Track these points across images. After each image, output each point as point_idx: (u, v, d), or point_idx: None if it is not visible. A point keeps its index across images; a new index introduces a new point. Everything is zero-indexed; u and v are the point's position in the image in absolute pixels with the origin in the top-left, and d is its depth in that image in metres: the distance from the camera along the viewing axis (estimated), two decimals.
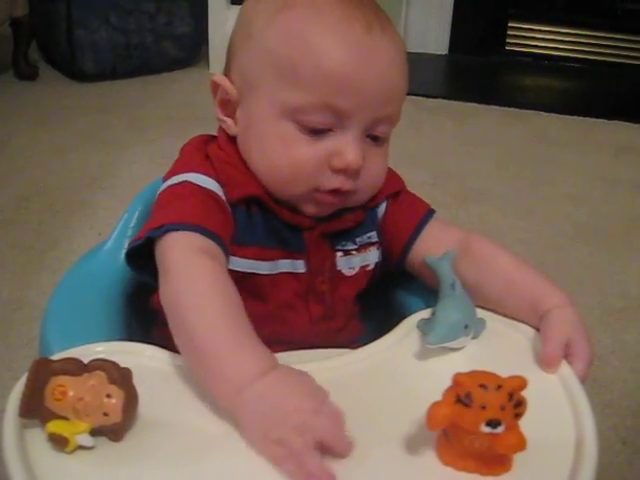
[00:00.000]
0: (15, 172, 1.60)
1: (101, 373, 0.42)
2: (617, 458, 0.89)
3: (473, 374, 0.41)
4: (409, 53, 0.59)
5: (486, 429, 0.39)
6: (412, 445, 0.44)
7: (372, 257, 0.63)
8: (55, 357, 0.45)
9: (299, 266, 0.59)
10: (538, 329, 0.56)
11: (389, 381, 0.47)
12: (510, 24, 2.76)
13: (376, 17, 0.55)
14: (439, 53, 2.75)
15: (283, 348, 0.52)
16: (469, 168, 1.76)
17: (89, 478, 0.41)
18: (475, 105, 2.22)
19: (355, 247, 0.62)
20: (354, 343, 0.58)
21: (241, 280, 0.52)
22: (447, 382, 0.42)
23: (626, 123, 2.11)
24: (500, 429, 0.40)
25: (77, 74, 2.22)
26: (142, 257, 0.54)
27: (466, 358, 0.53)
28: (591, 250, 1.40)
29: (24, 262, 1.24)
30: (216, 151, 0.60)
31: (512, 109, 2.19)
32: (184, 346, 0.48)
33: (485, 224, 1.48)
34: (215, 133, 0.62)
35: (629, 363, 1.06)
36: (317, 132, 0.55)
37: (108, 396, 0.42)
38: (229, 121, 0.59)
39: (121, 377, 0.42)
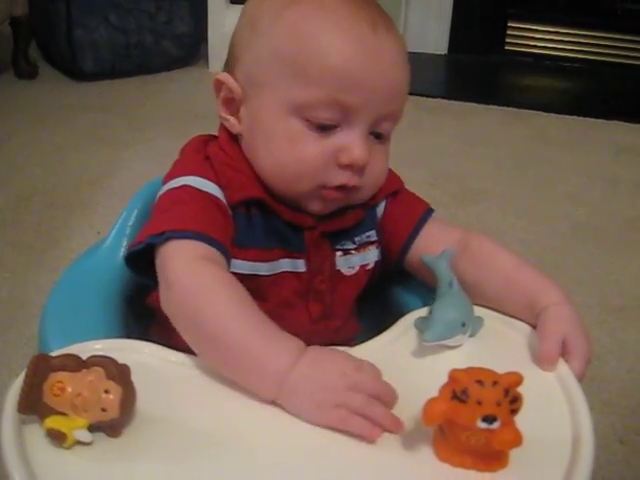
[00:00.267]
0: (15, 171, 1.60)
1: (99, 369, 0.42)
2: (615, 457, 0.89)
3: (469, 370, 0.41)
4: (409, 53, 0.59)
5: (482, 425, 0.40)
6: (409, 441, 0.44)
7: (371, 256, 0.64)
8: (54, 353, 0.45)
9: (299, 265, 0.60)
10: (536, 327, 0.56)
11: (386, 378, 0.47)
12: (510, 24, 2.76)
13: (380, 16, 0.56)
14: (438, 53, 2.75)
15: None
16: (468, 168, 1.76)
17: (87, 473, 0.41)
18: (474, 105, 2.22)
19: (354, 246, 0.62)
20: (351, 342, 0.58)
21: (242, 281, 0.53)
22: (444, 379, 0.42)
23: (626, 123, 2.11)
24: (496, 425, 0.40)
25: (77, 73, 2.22)
26: (142, 260, 0.55)
27: (463, 356, 0.53)
28: (590, 250, 1.40)
29: (24, 261, 1.24)
30: (216, 152, 0.59)
31: (511, 109, 2.19)
32: (206, 349, 0.49)
33: (484, 224, 1.48)
34: (215, 132, 0.62)
35: (627, 362, 1.06)
36: (324, 128, 0.55)
37: (106, 392, 0.42)
38: (232, 119, 0.59)
39: (119, 373, 0.42)
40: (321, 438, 0.45)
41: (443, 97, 2.26)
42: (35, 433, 0.43)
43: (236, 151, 0.59)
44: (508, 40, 2.77)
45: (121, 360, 0.43)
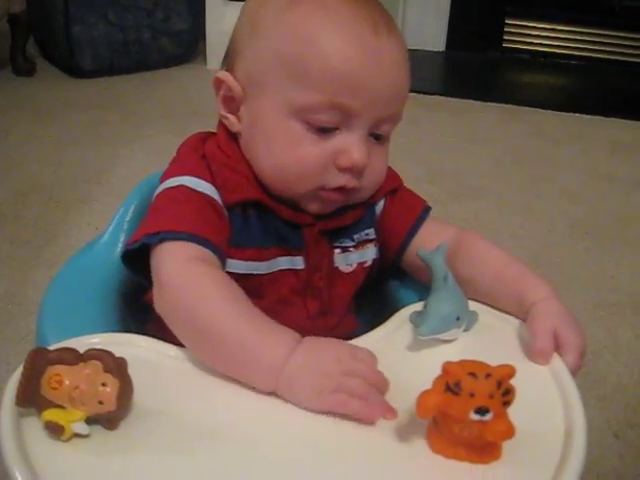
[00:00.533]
0: (12, 167, 1.60)
1: (97, 362, 0.42)
2: (609, 451, 0.90)
3: (463, 363, 0.41)
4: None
5: (475, 416, 0.40)
6: (403, 433, 0.45)
7: (370, 254, 0.64)
8: (51, 347, 0.45)
9: (298, 262, 0.60)
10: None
11: (382, 371, 0.48)
12: (507, 21, 2.77)
13: (381, 17, 0.56)
14: (436, 50, 2.75)
15: None
16: (466, 164, 1.77)
17: (85, 465, 0.42)
18: (472, 102, 2.23)
19: (353, 244, 0.63)
20: (349, 339, 0.59)
21: (238, 281, 0.53)
22: (439, 372, 0.42)
23: (622, 120, 2.12)
24: (488, 416, 0.40)
25: (75, 70, 2.23)
26: (138, 258, 0.55)
27: (458, 350, 0.53)
28: (586, 246, 1.41)
29: (21, 257, 1.25)
30: (214, 151, 0.59)
31: (509, 106, 2.20)
32: (202, 346, 0.49)
33: (481, 220, 1.48)
34: (212, 129, 0.62)
35: (622, 358, 1.07)
36: (324, 131, 0.55)
37: (103, 385, 0.42)
38: (232, 118, 0.59)
39: (116, 366, 0.43)
40: (316, 430, 0.45)
41: (440, 94, 2.27)
42: (33, 426, 0.43)
43: (234, 150, 0.59)
44: (506, 37, 2.78)
45: (118, 354, 0.43)
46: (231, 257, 0.56)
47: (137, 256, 0.55)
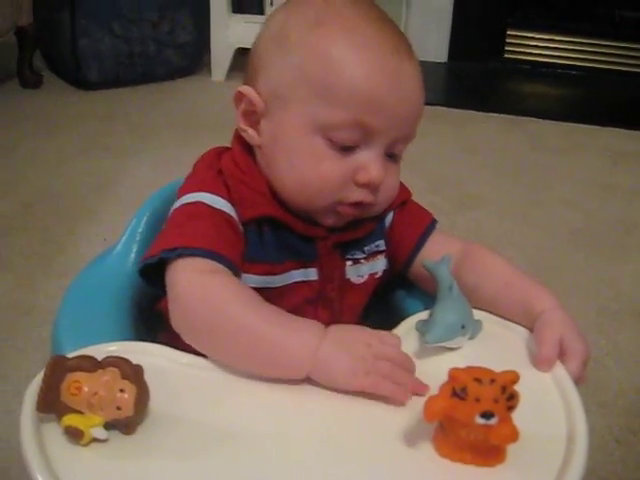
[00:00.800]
0: (20, 179, 1.62)
1: (114, 369, 0.44)
2: (611, 457, 0.90)
3: (468, 369, 0.42)
4: None
5: (480, 421, 0.41)
6: (410, 438, 0.46)
7: (380, 265, 0.65)
8: (70, 355, 0.47)
9: (311, 274, 0.61)
10: (532, 331, 0.57)
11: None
12: (508, 32, 2.78)
13: (401, 39, 0.57)
14: (438, 61, 2.77)
15: None
16: (467, 174, 1.78)
17: (103, 469, 0.43)
18: (474, 112, 2.24)
19: (364, 256, 0.64)
20: None
21: None
22: (444, 379, 0.43)
23: (622, 130, 2.13)
24: (493, 421, 0.41)
25: (81, 82, 2.24)
26: (155, 271, 0.56)
27: (463, 357, 0.54)
28: (586, 255, 1.42)
29: (31, 267, 1.26)
30: (230, 166, 0.60)
31: (510, 116, 2.21)
32: (227, 348, 0.51)
33: (482, 229, 1.50)
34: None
35: (623, 364, 1.08)
36: (345, 149, 0.56)
37: (121, 391, 0.43)
38: (251, 131, 0.60)
39: (133, 373, 0.44)
40: (323, 434, 0.46)
41: (442, 105, 2.27)
42: (53, 431, 0.44)
43: (250, 164, 0.60)
44: (507, 48, 2.79)
45: (134, 361, 0.45)
46: (245, 272, 0.57)
47: (154, 269, 0.56)
